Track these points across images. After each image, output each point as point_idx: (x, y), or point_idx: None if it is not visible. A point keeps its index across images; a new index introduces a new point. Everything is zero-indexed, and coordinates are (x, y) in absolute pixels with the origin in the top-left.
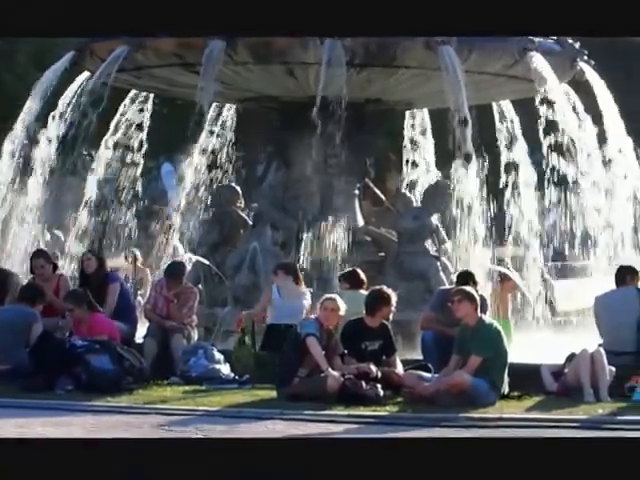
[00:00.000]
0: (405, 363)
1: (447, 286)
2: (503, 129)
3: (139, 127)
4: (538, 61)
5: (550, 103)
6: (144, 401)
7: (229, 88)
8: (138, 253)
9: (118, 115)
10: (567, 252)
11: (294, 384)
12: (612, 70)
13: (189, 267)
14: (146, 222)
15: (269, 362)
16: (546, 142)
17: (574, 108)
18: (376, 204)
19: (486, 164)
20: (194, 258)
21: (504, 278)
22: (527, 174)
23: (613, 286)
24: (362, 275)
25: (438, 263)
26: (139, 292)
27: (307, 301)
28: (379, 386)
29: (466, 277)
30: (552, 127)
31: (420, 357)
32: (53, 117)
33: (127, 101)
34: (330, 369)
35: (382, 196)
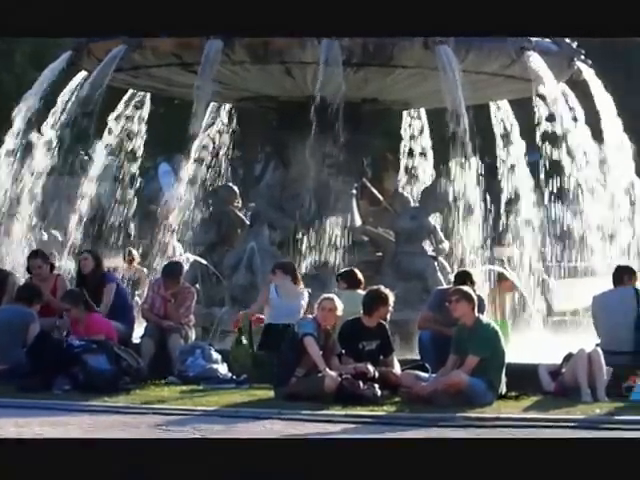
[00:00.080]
0: (403, 363)
1: (444, 286)
2: (500, 129)
3: (136, 127)
4: (535, 61)
5: (547, 102)
6: (141, 401)
7: (227, 88)
8: (135, 253)
9: (115, 115)
10: (565, 252)
11: (291, 384)
12: (612, 70)
13: (186, 267)
14: (143, 222)
15: (266, 362)
16: (543, 141)
17: (570, 107)
18: (373, 204)
19: (483, 164)
20: (192, 258)
21: (501, 278)
22: (524, 174)
23: (611, 286)
24: (360, 275)
25: (435, 263)
26: (136, 292)
27: (305, 301)
28: (376, 386)
29: (463, 277)
30: (549, 126)
31: (417, 357)
32: (50, 116)
33: (124, 101)
34: (327, 369)
35: (379, 196)
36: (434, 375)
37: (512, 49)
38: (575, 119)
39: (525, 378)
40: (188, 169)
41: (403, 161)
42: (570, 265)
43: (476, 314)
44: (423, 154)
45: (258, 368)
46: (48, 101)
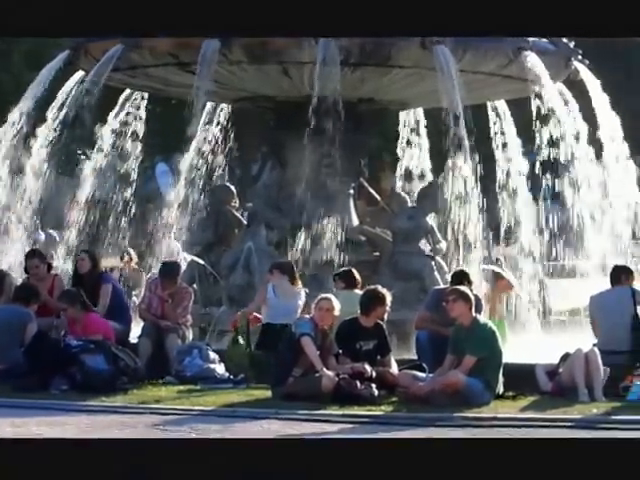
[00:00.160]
0: (400, 363)
1: (442, 286)
2: (497, 128)
3: (134, 127)
4: (532, 60)
5: (544, 102)
6: (139, 401)
7: (224, 88)
8: (133, 253)
9: (113, 114)
10: (562, 252)
11: (289, 384)
12: (612, 70)
13: (184, 267)
14: (141, 222)
15: (263, 361)
16: (540, 141)
17: (567, 106)
18: (371, 204)
19: (480, 163)
20: (189, 258)
21: (498, 277)
22: (521, 173)
23: (608, 286)
24: (357, 275)
25: (433, 263)
26: (134, 292)
27: (302, 301)
28: (374, 386)
29: (461, 277)
30: (546, 126)
31: (415, 357)
32: (47, 116)
33: (122, 100)
34: (325, 369)
35: (377, 196)
36: (431, 375)
37: (509, 49)
38: (572, 119)
39: (522, 378)
40: (185, 169)
41: (400, 161)
42: (562, 264)
43: (473, 314)
44: (420, 154)
45: (255, 368)
46: (45, 101)
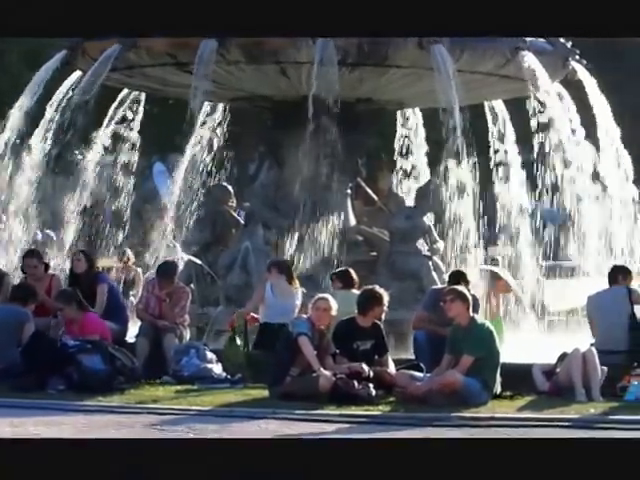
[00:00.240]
0: (397, 363)
1: (439, 286)
2: (494, 128)
3: (131, 127)
4: (530, 60)
5: (541, 102)
6: (136, 401)
7: (221, 87)
8: (130, 253)
9: (110, 114)
10: (560, 252)
11: (286, 383)
12: (612, 70)
13: (181, 266)
14: (138, 222)
15: (261, 361)
16: (537, 141)
17: (565, 106)
18: (368, 204)
19: (477, 163)
20: (186, 257)
21: (496, 277)
22: (519, 173)
23: (606, 286)
24: (354, 275)
25: (430, 263)
26: (131, 292)
27: (299, 300)
28: (371, 386)
29: (458, 277)
30: (543, 125)
31: (412, 357)
32: (44, 116)
33: (119, 100)
34: (322, 369)
35: (374, 196)
36: (429, 375)
37: (507, 49)
38: (569, 119)
39: (520, 378)
40: (182, 169)
41: (398, 161)
42: (559, 264)
43: (471, 314)
44: (418, 154)
45: (253, 368)
46: (43, 101)
